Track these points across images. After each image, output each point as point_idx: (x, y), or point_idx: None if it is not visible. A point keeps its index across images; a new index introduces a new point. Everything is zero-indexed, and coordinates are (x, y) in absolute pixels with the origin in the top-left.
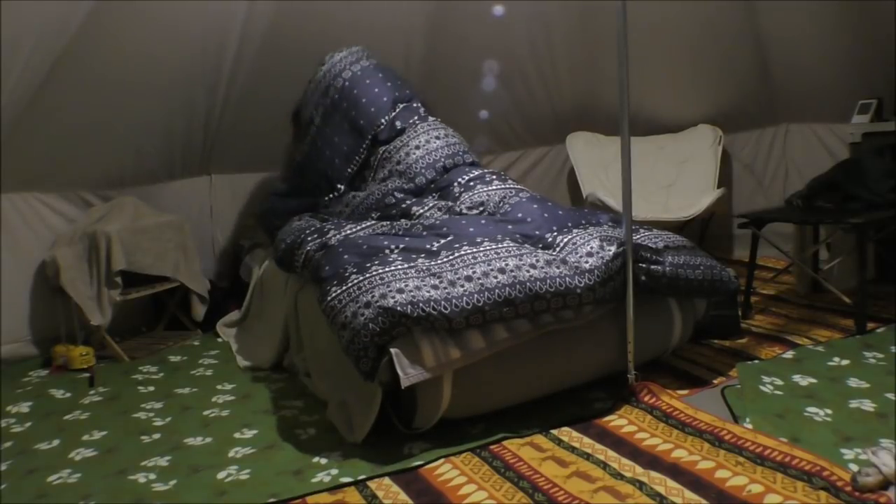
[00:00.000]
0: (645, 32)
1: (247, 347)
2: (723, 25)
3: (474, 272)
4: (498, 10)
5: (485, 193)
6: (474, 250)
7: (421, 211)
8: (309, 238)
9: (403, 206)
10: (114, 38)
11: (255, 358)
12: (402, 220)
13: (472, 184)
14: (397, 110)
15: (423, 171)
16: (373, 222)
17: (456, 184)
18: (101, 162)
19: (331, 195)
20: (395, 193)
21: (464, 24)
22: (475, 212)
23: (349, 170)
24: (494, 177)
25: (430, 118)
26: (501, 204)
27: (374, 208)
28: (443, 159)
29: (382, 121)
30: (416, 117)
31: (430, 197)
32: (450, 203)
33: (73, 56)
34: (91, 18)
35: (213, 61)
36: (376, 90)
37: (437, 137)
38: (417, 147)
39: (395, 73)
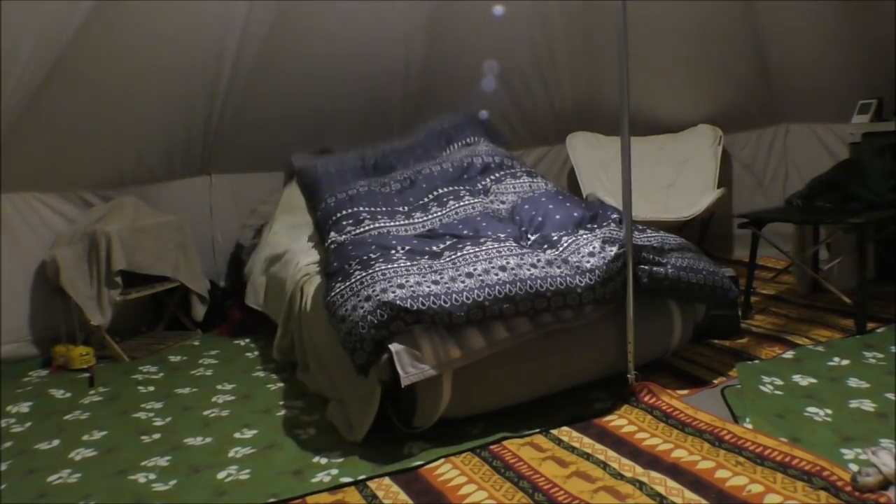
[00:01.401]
0: (645, 32)
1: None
2: (723, 25)
3: (475, 269)
4: (498, 10)
5: (515, 186)
6: (476, 249)
7: (457, 205)
8: (344, 222)
9: (440, 190)
10: (114, 39)
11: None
12: (434, 208)
13: (503, 177)
14: (485, 141)
15: (483, 155)
16: (405, 220)
17: (493, 178)
18: (101, 162)
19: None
20: (463, 161)
21: (464, 24)
22: (507, 205)
23: (428, 162)
24: (524, 172)
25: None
26: (526, 199)
27: (434, 177)
28: (501, 157)
29: (473, 138)
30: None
31: (471, 185)
32: (482, 193)
33: (73, 57)
34: (91, 20)
35: (213, 63)
36: (478, 137)
37: (501, 152)
38: (486, 147)
39: None
